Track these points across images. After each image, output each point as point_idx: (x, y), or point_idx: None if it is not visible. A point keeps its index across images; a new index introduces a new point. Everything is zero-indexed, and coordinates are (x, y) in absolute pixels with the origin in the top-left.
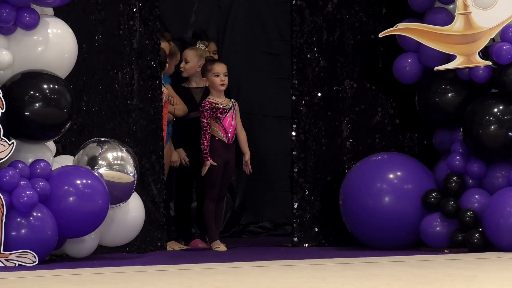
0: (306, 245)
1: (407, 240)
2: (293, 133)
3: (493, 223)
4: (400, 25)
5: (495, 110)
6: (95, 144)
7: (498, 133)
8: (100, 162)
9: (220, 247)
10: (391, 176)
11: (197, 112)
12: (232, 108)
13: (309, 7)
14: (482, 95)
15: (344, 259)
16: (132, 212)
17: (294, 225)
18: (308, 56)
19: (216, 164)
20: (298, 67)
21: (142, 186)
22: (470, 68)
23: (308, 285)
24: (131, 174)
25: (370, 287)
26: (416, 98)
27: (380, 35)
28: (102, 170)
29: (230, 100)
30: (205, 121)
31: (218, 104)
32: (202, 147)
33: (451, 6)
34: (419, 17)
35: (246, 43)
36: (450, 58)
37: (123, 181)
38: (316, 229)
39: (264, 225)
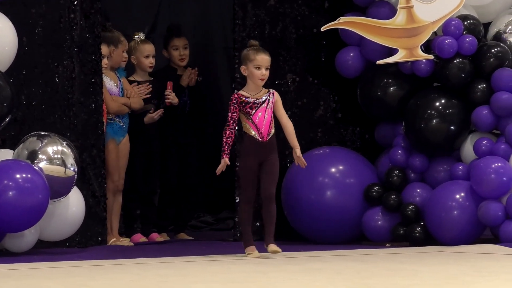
0: None
1: (349, 234)
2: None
3: (434, 217)
4: (342, 19)
5: (437, 104)
6: (35, 138)
7: (440, 127)
8: (40, 156)
9: (254, 253)
10: (333, 170)
11: (149, 104)
12: (266, 102)
13: (251, 1)
14: (424, 89)
15: (286, 253)
16: (72, 206)
17: (236, 219)
18: None
19: (229, 163)
20: (240, 60)
21: (82, 180)
22: (412, 62)
23: (250, 279)
24: (72, 168)
25: (311, 281)
26: (358, 92)
27: (323, 28)
28: (42, 164)
29: (268, 91)
30: (229, 115)
31: (248, 98)
32: (222, 143)
33: (393, 0)
34: (362, 11)
35: (196, 37)
36: (392, 52)
37: (64, 175)
38: (258, 224)
39: (206, 219)
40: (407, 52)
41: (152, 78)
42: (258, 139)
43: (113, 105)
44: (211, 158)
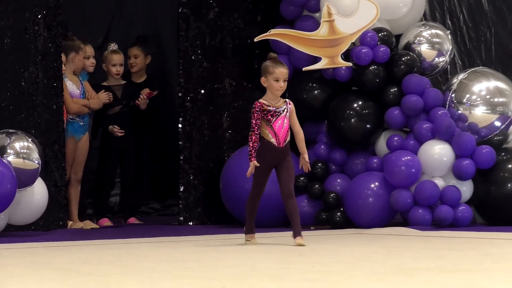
0: (191, 223)
1: (278, 219)
2: (180, 126)
3: (353, 203)
4: (273, 31)
5: (355, 105)
6: (4, 135)
7: (358, 125)
8: (8, 151)
9: (252, 241)
10: None
11: (120, 106)
12: (285, 111)
13: (193, 14)
14: (344, 92)
15: (224, 235)
16: (37, 195)
17: (180, 206)
18: (193, 57)
19: (258, 165)
20: (184, 67)
21: (45, 172)
22: (334, 68)
23: (192, 258)
24: (36, 162)
25: (245, 259)
26: (287, 94)
27: (256, 39)
28: (11, 158)
29: (285, 101)
30: (253, 122)
31: (270, 106)
32: (248, 148)
33: (317, 14)
34: (290, 24)
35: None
36: (316, 59)
37: (29, 168)
38: (200, 210)
39: (154, 206)
40: (329, 60)
41: (125, 82)
42: (275, 145)
43: (74, 107)
44: (159, 153)
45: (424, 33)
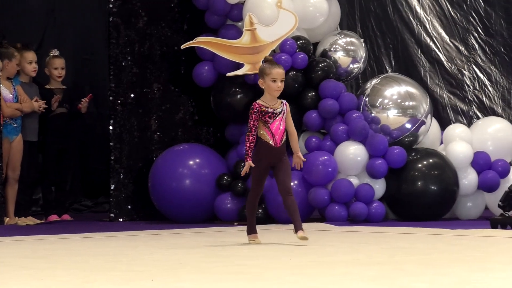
0: (121, 220)
1: (204, 215)
2: (111, 127)
3: (274, 200)
4: (198, 39)
5: None
6: None
7: None
8: None
9: (256, 240)
10: (191, 162)
11: (62, 108)
12: (282, 112)
13: (123, 23)
14: None
15: (152, 231)
16: None
17: (111, 203)
18: (123, 64)
19: (253, 165)
20: (114, 73)
21: None
22: (255, 74)
23: (123, 253)
24: None
25: (172, 254)
26: (211, 98)
27: (182, 47)
28: None
29: (282, 103)
30: (251, 122)
31: (268, 107)
32: (244, 148)
33: (240, 23)
34: (214, 32)
35: (74, 50)
36: (239, 66)
37: None
38: (129, 207)
39: (86, 203)
40: (251, 66)
41: (65, 87)
42: (272, 144)
43: (7, 110)
44: (91, 154)
45: (340, 41)
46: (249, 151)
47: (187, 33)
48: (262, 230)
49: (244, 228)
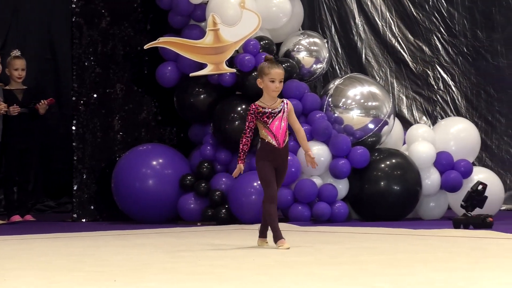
0: (84, 220)
1: (168, 215)
2: (74, 128)
3: (237, 201)
4: (162, 39)
5: (239, 108)
6: None
7: (241, 127)
8: None
9: (284, 245)
10: (154, 163)
11: (24, 108)
12: (282, 111)
13: (86, 23)
14: (228, 97)
15: (115, 231)
16: None
17: (74, 203)
18: (86, 64)
19: (243, 168)
20: (77, 73)
21: None
22: (219, 74)
23: (86, 253)
24: None
25: (136, 254)
26: (175, 99)
27: (145, 47)
28: None
29: (282, 102)
30: (246, 124)
31: (265, 108)
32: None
33: (203, 23)
34: (177, 33)
35: (37, 50)
36: (202, 66)
37: None
38: (92, 207)
39: (49, 204)
40: (215, 67)
41: (26, 87)
42: (275, 145)
43: None
44: (53, 154)
45: (303, 42)
46: (242, 153)
47: (150, 33)
48: (225, 230)
49: (207, 228)
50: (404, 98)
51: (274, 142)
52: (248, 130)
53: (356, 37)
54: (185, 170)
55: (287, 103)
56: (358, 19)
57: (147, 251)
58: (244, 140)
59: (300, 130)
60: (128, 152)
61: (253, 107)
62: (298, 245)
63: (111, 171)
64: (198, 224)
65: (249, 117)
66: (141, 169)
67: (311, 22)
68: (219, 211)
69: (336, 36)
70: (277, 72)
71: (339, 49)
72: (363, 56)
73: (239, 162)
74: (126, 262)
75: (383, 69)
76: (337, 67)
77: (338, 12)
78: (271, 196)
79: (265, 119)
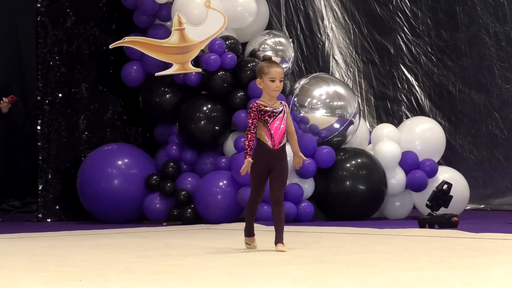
0: (49, 220)
1: (133, 215)
2: (38, 127)
3: (202, 200)
4: (127, 38)
5: (205, 108)
6: None
7: (207, 127)
8: None
9: (252, 244)
10: (120, 162)
11: None
12: (282, 112)
13: (51, 23)
14: (194, 96)
15: (80, 231)
16: None
17: (39, 203)
18: (51, 63)
19: (252, 161)
20: (42, 72)
21: None
22: (184, 74)
23: (51, 253)
24: None
25: (101, 254)
26: (140, 98)
27: (111, 46)
28: None
29: (281, 103)
30: (249, 121)
31: (267, 106)
32: (244, 146)
33: (169, 23)
34: (143, 32)
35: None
36: (168, 65)
37: None
38: (58, 207)
39: (14, 203)
40: (180, 66)
41: None
42: (270, 146)
43: None
44: (19, 153)
45: (269, 41)
46: (248, 149)
47: (116, 33)
48: (191, 230)
49: (173, 228)
50: (372, 98)
51: (269, 143)
52: (252, 127)
53: (323, 37)
54: (151, 170)
55: (286, 105)
56: (326, 19)
57: (112, 251)
58: (249, 136)
59: (294, 133)
60: (93, 152)
61: (255, 104)
62: (264, 245)
63: (76, 171)
64: (164, 224)
65: (252, 114)
66: (106, 169)
67: (277, 22)
68: (184, 211)
69: (301, 36)
70: (277, 71)
71: (304, 49)
72: (331, 55)
73: (247, 157)
74: (91, 262)
75: (351, 69)
76: (303, 67)
77: (304, 12)
78: (255, 198)
79: (266, 117)
